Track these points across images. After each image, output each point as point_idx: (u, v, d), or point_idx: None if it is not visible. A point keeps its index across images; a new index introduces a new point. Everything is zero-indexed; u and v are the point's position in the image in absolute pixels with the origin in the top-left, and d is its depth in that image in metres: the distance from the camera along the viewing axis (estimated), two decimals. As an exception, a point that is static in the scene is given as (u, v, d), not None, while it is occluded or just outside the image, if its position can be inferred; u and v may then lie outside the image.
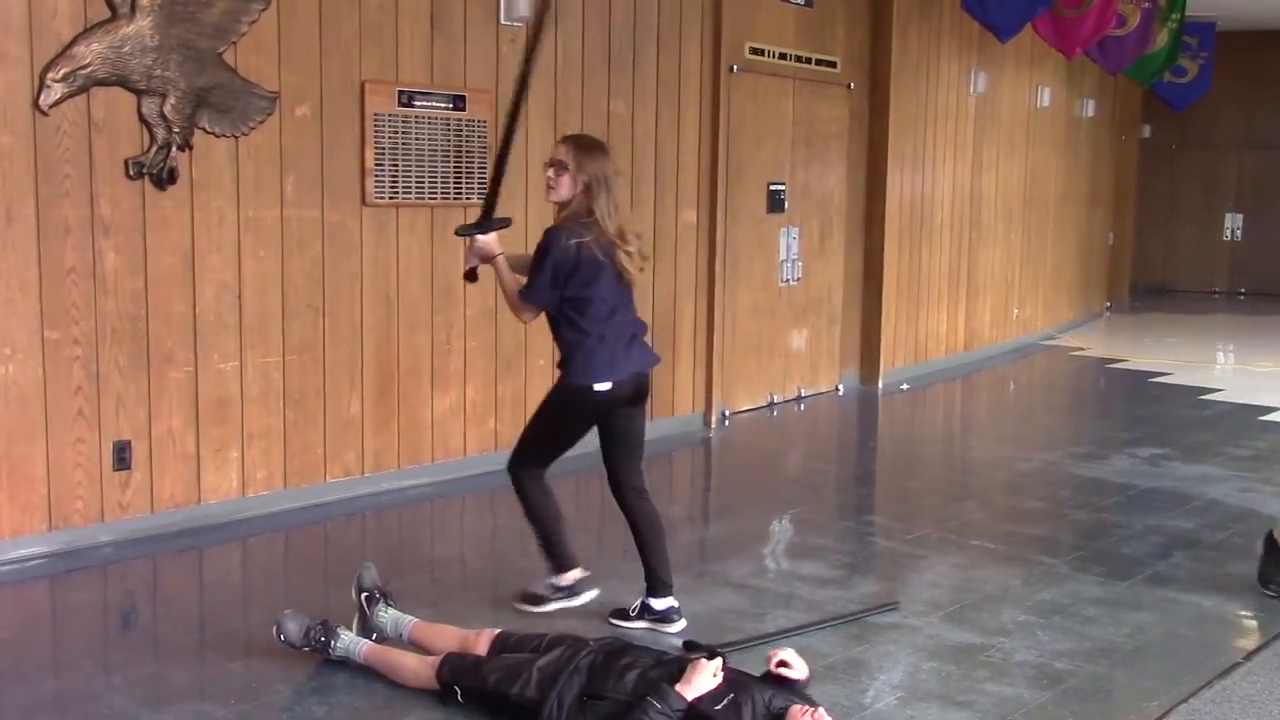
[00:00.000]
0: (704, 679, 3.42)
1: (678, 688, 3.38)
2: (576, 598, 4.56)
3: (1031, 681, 4.03)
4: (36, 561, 5.00)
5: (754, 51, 8.17)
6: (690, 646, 4.03)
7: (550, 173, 4.31)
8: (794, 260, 8.85)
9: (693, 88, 7.69)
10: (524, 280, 4.34)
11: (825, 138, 9.04)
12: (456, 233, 4.68)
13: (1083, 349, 12.11)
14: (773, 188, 8.56)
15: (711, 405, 8.05)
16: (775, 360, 8.81)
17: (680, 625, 4.40)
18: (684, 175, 7.71)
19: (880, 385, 9.65)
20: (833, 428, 8.80)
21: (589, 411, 4.39)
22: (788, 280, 8.82)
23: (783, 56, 8.45)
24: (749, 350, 8.52)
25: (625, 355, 4.37)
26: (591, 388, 4.31)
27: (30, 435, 4.99)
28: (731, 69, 7.93)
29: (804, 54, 8.63)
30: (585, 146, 4.33)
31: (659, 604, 4.44)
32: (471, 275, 4.59)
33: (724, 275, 8.07)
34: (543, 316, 4.43)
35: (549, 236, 4.26)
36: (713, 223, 7.92)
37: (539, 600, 4.56)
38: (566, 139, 4.44)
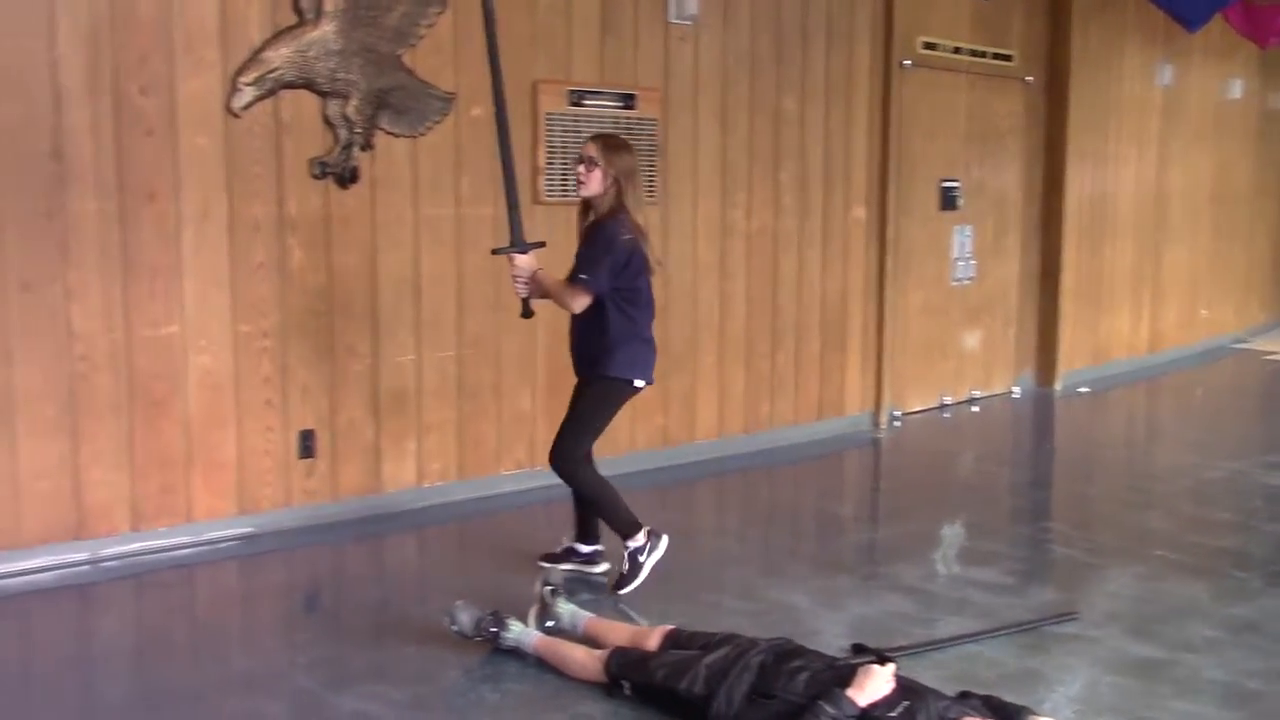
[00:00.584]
0: (877, 685, 3.36)
1: (849, 692, 3.33)
2: (658, 549, 4.72)
3: (1221, 701, 3.83)
4: (227, 544, 5.23)
5: (927, 46, 8.01)
6: (859, 650, 3.99)
7: (581, 169, 4.56)
8: (967, 259, 8.65)
9: (863, 83, 7.59)
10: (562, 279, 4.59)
11: (1000, 133, 8.81)
12: (493, 252, 4.94)
13: (1275, 353, 11.51)
14: (945, 185, 8.38)
15: (881, 405, 7.92)
16: (947, 360, 8.63)
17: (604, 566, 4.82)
18: (853, 172, 7.61)
19: (1058, 387, 9.35)
20: (1007, 430, 8.57)
21: (623, 402, 4.74)
22: (961, 279, 8.63)
23: (957, 50, 8.27)
24: (920, 350, 8.36)
25: (653, 356, 4.77)
26: (633, 383, 4.67)
27: (223, 423, 5.22)
28: (903, 64, 7.79)
29: (979, 47, 8.43)
30: (614, 145, 4.61)
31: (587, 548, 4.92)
32: (528, 310, 4.76)
33: (895, 273, 7.94)
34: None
35: (606, 228, 4.52)
36: (883, 220, 7.80)
37: (630, 576, 4.68)
38: (596, 137, 4.68)
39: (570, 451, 4.68)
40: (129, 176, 4.88)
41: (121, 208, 4.88)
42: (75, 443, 4.86)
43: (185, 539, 5.16)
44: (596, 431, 4.75)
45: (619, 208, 4.53)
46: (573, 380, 4.84)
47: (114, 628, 4.31)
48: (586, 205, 4.65)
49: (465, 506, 5.85)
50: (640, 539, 4.68)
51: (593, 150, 4.55)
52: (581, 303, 4.55)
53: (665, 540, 4.72)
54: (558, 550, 4.98)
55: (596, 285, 4.52)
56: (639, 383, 4.70)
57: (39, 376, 4.75)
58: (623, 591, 4.65)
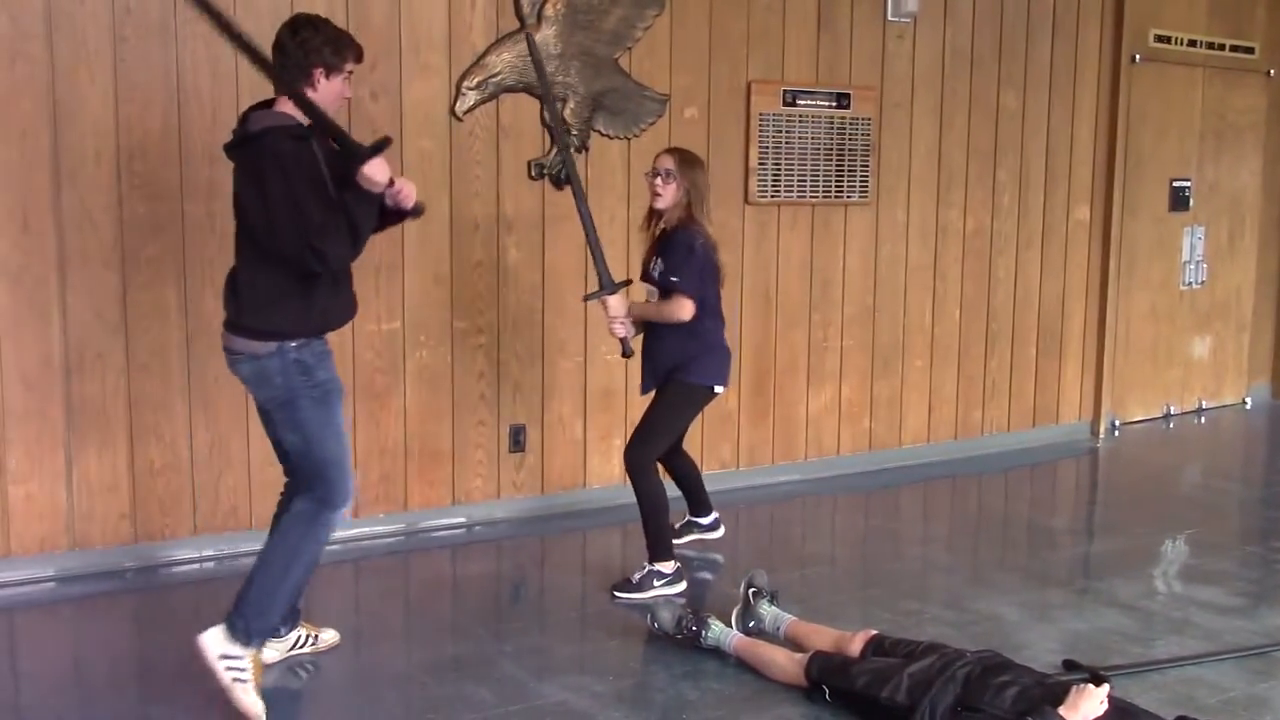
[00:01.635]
0: (1090, 705, 3.23)
1: (1061, 710, 3.22)
2: (676, 585, 4.70)
3: None
4: (441, 534, 5.43)
5: (1159, 39, 7.65)
6: (1071, 667, 3.86)
7: (657, 181, 4.64)
8: (1198, 262, 8.23)
9: (1089, 78, 7.31)
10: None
11: (1238, 130, 8.34)
12: (585, 299, 5.08)
13: None
14: (1176, 184, 7.99)
15: (1100, 414, 7.62)
16: (1173, 368, 8.23)
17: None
18: (1077, 170, 7.34)
19: (1295, 399, 8.82)
20: (1238, 443, 8.11)
21: (702, 407, 4.86)
22: (1190, 283, 8.22)
23: (1192, 43, 7.87)
24: (1144, 357, 8.00)
25: (729, 361, 4.87)
26: (713, 389, 4.78)
27: (439, 416, 5.43)
28: (1134, 58, 7.47)
29: (1217, 40, 8.00)
30: (689, 158, 4.69)
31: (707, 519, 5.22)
32: (627, 349, 4.80)
33: (1119, 276, 7.62)
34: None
35: (684, 236, 4.61)
36: (1107, 220, 7.50)
37: (636, 588, 4.68)
38: (671, 150, 4.76)
39: (647, 455, 4.72)
40: (358, 178, 5.12)
41: (350, 207, 5.12)
42: (304, 430, 5.12)
43: (399, 527, 5.38)
44: (673, 436, 4.88)
45: (689, 218, 4.63)
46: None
47: (331, 610, 4.52)
48: (653, 215, 4.74)
49: (671, 503, 5.89)
50: (669, 568, 4.69)
51: (669, 163, 4.64)
52: (689, 310, 4.60)
53: (684, 585, 4.72)
54: (676, 525, 5.11)
55: (696, 289, 4.60)
56: (719, 388, 4.80)
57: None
58: (620, 596, 4.65)
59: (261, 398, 3.67)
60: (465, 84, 5.29)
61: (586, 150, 5.62)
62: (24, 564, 4.67)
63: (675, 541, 5.01)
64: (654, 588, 4.65)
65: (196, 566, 4.91)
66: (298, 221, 3.36)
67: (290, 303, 3.52)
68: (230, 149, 3.60)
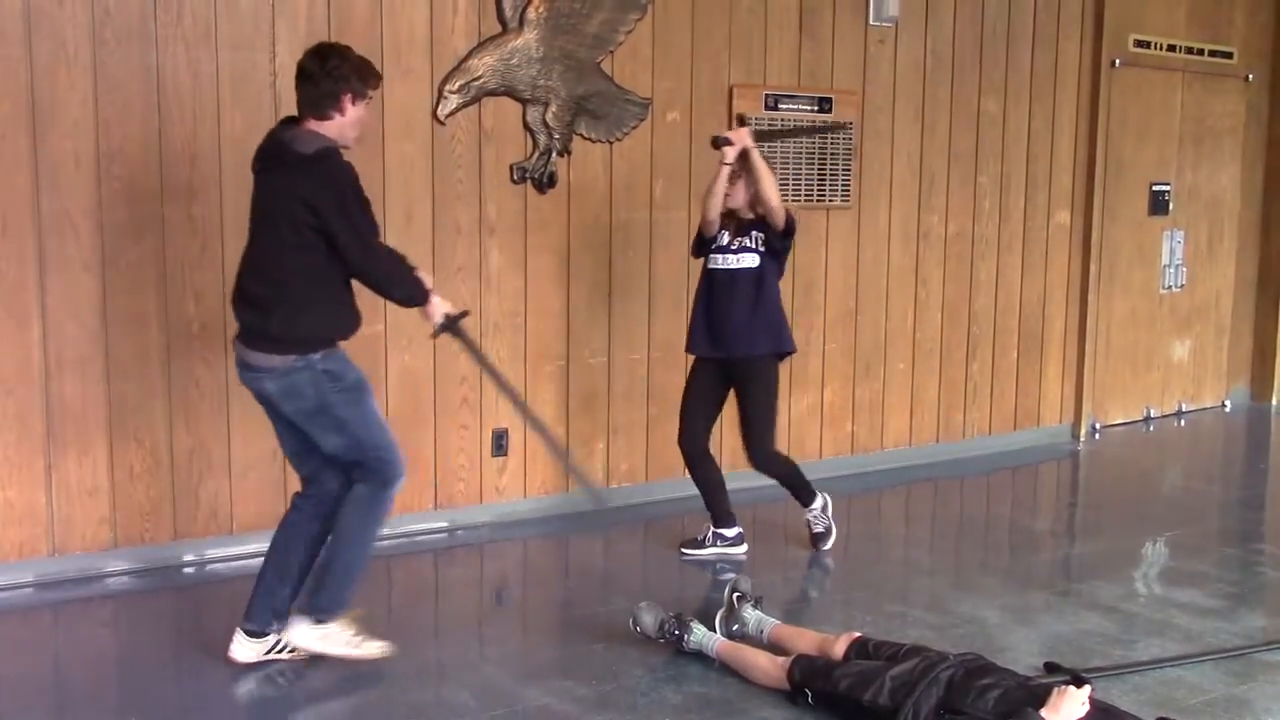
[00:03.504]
0: (1071, 707, 3.24)
1: (1043, 712, 3.23)
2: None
3: None
4: (423, 537, 5.41)
5: (1139, 44, 7.70)
6: (1052, 669, 3.87)
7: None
8: (1178, 265, 8.28)
9: (1070, 83, 7.35)
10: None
11: (1217, 134, 8.39)
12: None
13: None
14: (1156, 188, 8.04)
15: (1081, 417, 7.66)
16: (1153, 371, 8.28)
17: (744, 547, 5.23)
18: (1058, 175, 7.38)
19: (1275, 402, 8.85)
20: (1217, 446, 8.16)
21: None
22: (1170, 286, 8.26)
23: (1171, 48, 7.92)
24: (1124, 360, 8.04)
25: None
26: (790, 352, 5.21)
27: (422, 420, 5.41)
28: (1114, 63, 7.51)
29: (1196, 45, 8.05)
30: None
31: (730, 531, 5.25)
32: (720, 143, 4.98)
33: (1099, 280, 7.66)
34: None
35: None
36: (1088, 224, 7.54)
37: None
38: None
39: (773, 445, 5.15)
40: (340, 181, 5.10)
41: (332, 211, 5.10)
42: (286, 434, 5.11)
43: (383, 531, 5.34)
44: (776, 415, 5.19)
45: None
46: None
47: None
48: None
49: (652, 508, 5.91)
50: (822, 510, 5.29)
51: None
52: (782, 214, 4.93)
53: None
54: (699, 537, 5.23)
55: (791, 218, 4.99)
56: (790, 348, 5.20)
57: (254, 371, 5.01)
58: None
59: (291, 409, 3.79)
60: (447, 87, 5.29)
61: (569, 154, 5.62)
62: (3, 569, 4.64)
63: (698, 553, 5.20)
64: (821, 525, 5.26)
65: (177, 571, 4.88)
66: (366, 236, 3.72)
67: (320, 311, 3.74)
68: (273, 166, 3.75)
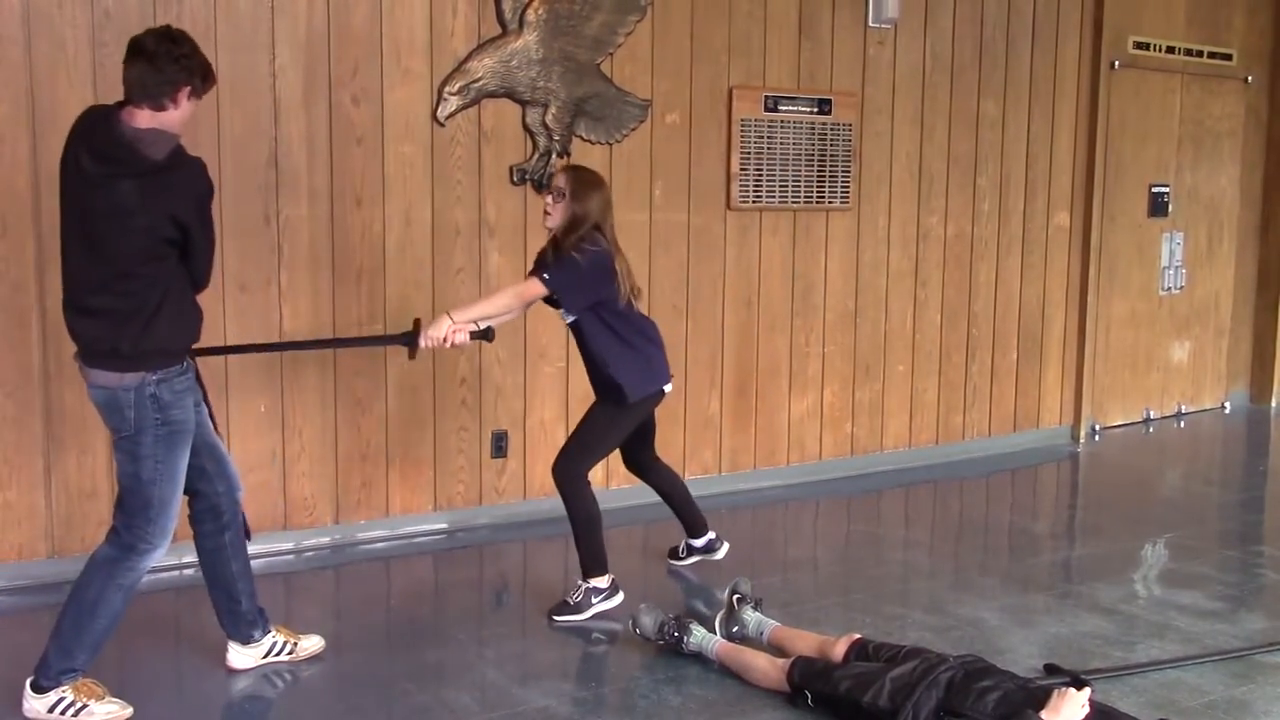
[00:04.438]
0: (1071, 709, 3.24)
1: (1043, 714, 3.23)
2: (614, 599, 4.56)
3: None
4: (422, 539, 5.41)
5: (1138, 46, 7.70)
6: (1052, 671, 3.87)
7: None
8: (1177, 267, 8.28)
9: (1069, 85, 7.35)
10: None
11: (1217, 136, 8.40)
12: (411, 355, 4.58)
13: None
14: (1155, 190, 8.04)
15: (1080, 418, 7.66)
16: (1153, 373, 8.27)
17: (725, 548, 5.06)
18: (1057, 177, 7.38)
19: (1275, 404, 8.85)
20: (1216, 447, 8.15)
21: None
22: (1169, 288, 8.26)
23: (1170, 50, 7.92)
24: (1124, 361, 8.04)
25: None
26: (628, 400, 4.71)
27: (421, 422, 5.41)
28: (1113, 65, 7.51)
29: (1195, 46, 8.05)
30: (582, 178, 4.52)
31: (700, 541, 5.04)
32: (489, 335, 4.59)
33: (1098, 281, 7.66)
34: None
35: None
36: (1087, 226, 7.54)
37: (574, 609, 4.51)
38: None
39: (579, 470, 4.62)
40: (339, 183, 5.11)
41: (331, 212, 5.11)
42: (284, 437, 5.11)
43: (383, 533, 5.37)
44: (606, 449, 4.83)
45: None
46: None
47: (312, 616, 4.50)
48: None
49: (650, 510, 5.88)
50: (604, 582, 4.53)
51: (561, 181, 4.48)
52: (524, 292, 4.49)
53: (621, 596, 4.55)
54: (678, 547, 5.15)
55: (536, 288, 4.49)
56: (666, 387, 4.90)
57: (252, 374, 5.01)
58: (558, 619, 4.47)
59: (108, 423, 3.54)
60: (447, 89, 5.29)
61: (568, 155, 5.62)
62: (2, 571, 4.64)
63: (677, 564, 5.12)
64: (592, 605, 4.49)
65: (176, 574, 4.87)
66: (210, 248, 3.54)
67: (174, 320, 3.47)
68: (121, 172, 3.33)
